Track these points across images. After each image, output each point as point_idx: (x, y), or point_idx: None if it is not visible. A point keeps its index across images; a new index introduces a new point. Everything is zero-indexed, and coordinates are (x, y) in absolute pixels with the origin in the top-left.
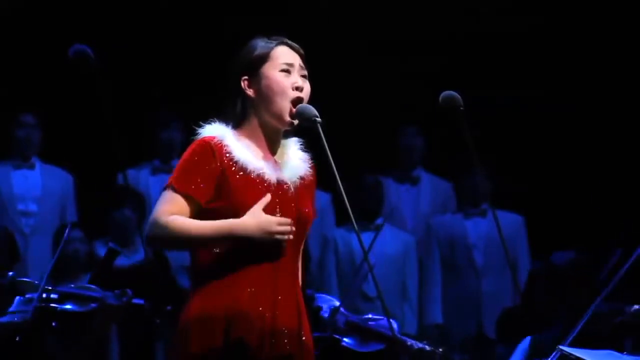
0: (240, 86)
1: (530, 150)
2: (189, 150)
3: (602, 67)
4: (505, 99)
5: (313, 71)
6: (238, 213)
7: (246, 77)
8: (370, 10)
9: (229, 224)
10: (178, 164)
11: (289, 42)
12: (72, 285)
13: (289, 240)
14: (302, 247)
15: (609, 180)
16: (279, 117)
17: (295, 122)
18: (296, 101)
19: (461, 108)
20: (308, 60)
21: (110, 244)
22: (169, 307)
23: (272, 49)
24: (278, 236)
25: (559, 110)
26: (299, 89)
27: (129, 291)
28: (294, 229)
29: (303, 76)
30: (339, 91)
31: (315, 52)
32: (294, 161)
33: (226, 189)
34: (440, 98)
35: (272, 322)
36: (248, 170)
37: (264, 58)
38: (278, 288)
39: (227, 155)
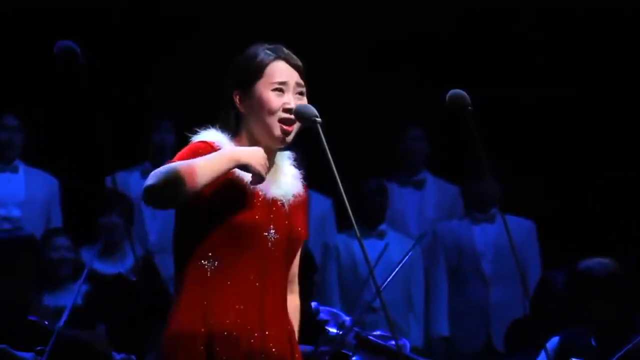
0: (233, 99)
1: (541, 152)
2: (189, 146)
3: (613, 66)
4: (515, 99)
5: (314, 70)
6: (226, 223)
7: (238, 92)
8: (372, 9)
9: (226, 149)
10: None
11: (288, 55)
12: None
13: (277, 258)
14: (291, 268)
15: (623, 184)
16: (269, 135)
17: (285, 144)
18: (285, 120)
19: (469, 107)
20: (310, 60)
21: (121, 271)
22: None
23: (267, 65)
24: (258, 166)
25: (570, 111)
26: (289, 111)
27: (133, 357)
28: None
29: (299, 93)
30: (339, 90)
31: (316, 51)
32: (288, 178)
33: (219, 196)
34: (447, 97)
35: (260, 342)
36: (244, 182)
37: (258, 74)
38: (265, 306)
39: None
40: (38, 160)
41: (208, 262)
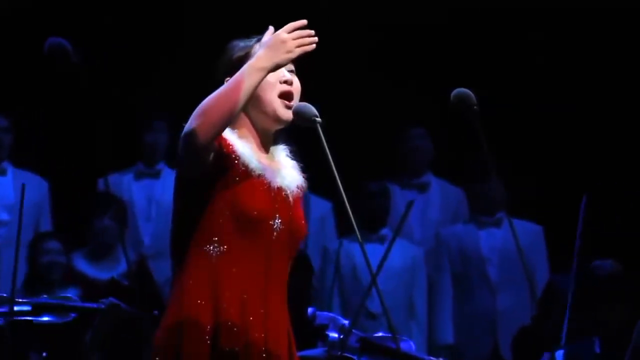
0: None
1: (549, 154)
2: None
3: (621, 65)
4: (520, 99)
5: (314, 70)
6: (232, 209)
7: (229, 79)
8: (373, 8)
9: (246, 65)
10: None
11: None
12: (51, 296)
13: (281, 250)
14: (291, 262)
15: (633, 185)
16: (271, 114)
17: (290, 118)
18: (285, 95)
19: (475, 107)
20: (310, 60)
21: (114, 276)
22: (156, 312)
23: (251, 47)
24: (289, 55)
25: (577, 112)
26: (287, 82)
27: (112, 299)
28: (312, 34)
29: (290, 71)
30: (341, 89)
31: (316, 50)
32: (289, 169)
33: (224, 181)
34: (451, 96)
35: (261, 335)
36: (250, 167)
37: (245, 58)
38: (268, 299)
39: (231, 147)
40: (27, 162)
41: (213, 248)
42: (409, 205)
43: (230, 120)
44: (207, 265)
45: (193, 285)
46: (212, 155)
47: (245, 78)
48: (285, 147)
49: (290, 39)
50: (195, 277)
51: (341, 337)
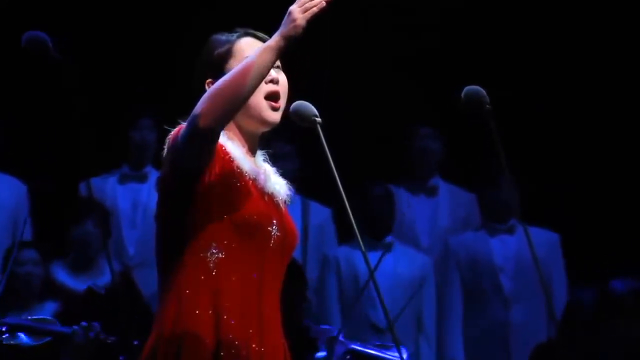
0: (206, 89)
1: (566, 156)
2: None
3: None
4: (536, 99)
5: (315, 66)
6: (230, 213)
7: (210, 80)
8: (375, 8)
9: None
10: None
11: (254, 32)
12: (28, 317)
13: (276, 258)
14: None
15: None
16: (257, 117)
17: (277, 121)
18: (271, 95)
19: (487, 106)
20: (311, 58)
21: (90, 284)
22: (136, 342)
23: (234, 42)
24: (298, 26)
25: (599, 112)
26: (273, 81)
27: (95, 324)
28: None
29: (276, 67)
30: (341, 88)
31: (318, 49)
32: (274, 175)
33: (219, 184)
34: (462, 94)
35: (259, 347)
36: (244, 170)
37: (227, 55)
38: (263, 309)
39: (223, 149)
40: (4, 164)
41: (211, 254)
42: (383, 255)
43: (239, 105)
44: (204, 273)
45: (190, 295)
46: (214, 146)
47: (255, 59)
48: (262, 152)
49: (295, 8)
50: (192, 285)
51: (327, 349)
